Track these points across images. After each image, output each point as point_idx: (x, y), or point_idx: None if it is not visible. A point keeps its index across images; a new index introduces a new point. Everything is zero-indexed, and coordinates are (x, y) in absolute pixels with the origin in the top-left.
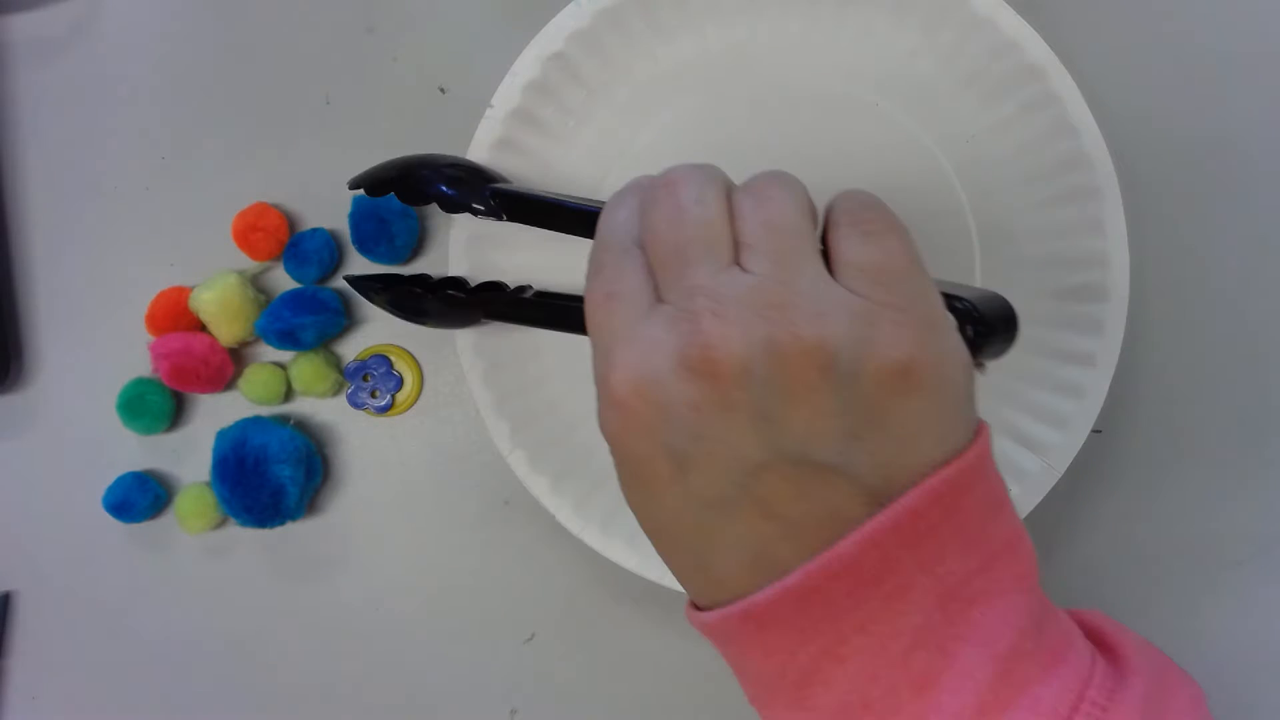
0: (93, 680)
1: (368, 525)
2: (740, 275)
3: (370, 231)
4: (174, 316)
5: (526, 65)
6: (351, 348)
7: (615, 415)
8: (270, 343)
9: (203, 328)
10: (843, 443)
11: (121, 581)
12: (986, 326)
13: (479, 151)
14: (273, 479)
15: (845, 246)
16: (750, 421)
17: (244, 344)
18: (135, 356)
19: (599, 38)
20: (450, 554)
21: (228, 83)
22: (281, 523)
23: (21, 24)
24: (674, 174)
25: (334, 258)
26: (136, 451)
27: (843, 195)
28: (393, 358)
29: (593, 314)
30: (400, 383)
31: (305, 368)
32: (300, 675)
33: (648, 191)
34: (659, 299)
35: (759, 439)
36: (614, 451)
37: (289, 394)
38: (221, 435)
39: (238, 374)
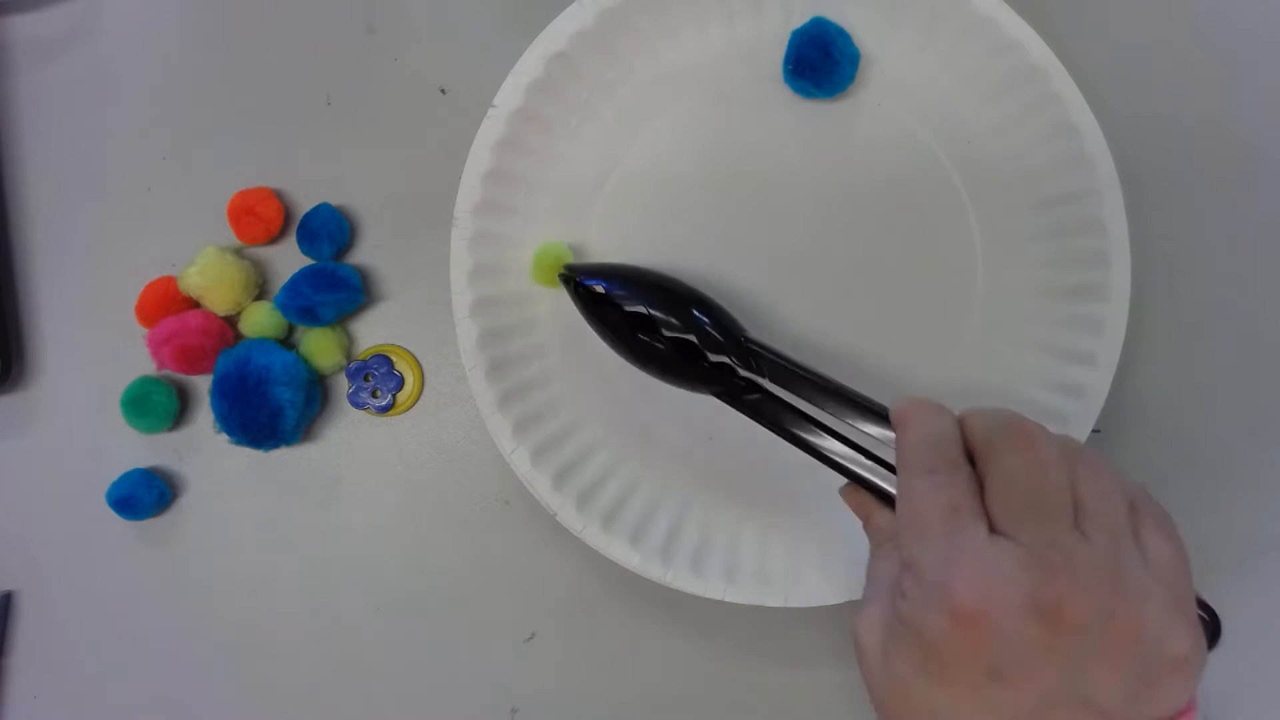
0: (93, 680)
1: (368, 525)
2: (1085, 542)
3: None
4: (164, 304)
5: (530, 65)
6: (367, 327)
7: (948, 619)
8: (290, 318)
9: (196, 306)
10: (1122, 697)
11: (122, 581)
12: (1217, 631)
13: (481, 150)
14: (272, 400)
15: (1151, 539)
16: (1066, 663)
17: (241, 310)
18: (136, 355)
19: (602, 37)
20: (450, 554)
21: (228, 83)
22: (276, 445)
23: (21, 24)
24: (1026, 425)
25: (345, 233)
26: (138, 450)
27: (1139, 488)
28: (394, 358)
29: (930, 518)
30: (401, 382)
31: (317, 338)
32: (302, 675)
33: (986, 421)
34: (993, 528)
35: (1065, 679)
36: (920, 640)
37: (292, 331)
38: (226, 353)
39: (239, 337)
